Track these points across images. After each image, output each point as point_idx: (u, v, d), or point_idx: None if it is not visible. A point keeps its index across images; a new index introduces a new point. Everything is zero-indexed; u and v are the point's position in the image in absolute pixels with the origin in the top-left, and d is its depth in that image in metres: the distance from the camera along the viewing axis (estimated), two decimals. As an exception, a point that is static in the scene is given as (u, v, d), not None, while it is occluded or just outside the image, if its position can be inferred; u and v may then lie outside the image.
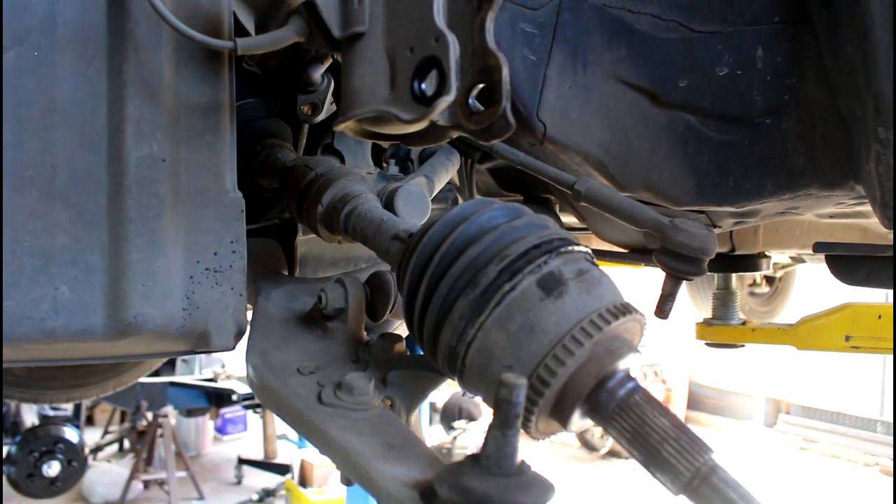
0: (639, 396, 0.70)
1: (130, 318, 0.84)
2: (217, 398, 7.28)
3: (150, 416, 6.83)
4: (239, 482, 7.43)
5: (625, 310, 0.72)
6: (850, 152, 1.03)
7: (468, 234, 0.78)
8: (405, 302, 0.84)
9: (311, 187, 1.09)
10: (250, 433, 8.86)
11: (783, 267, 3.40)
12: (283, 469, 7.33)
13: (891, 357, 6.58)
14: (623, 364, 0.72)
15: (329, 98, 1.27)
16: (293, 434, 7.13)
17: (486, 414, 7.52)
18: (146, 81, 0.85)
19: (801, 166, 1.07)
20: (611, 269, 1.11)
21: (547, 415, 0.72)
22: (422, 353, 0.85)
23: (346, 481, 0.84)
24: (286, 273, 1.26)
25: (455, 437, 7.64)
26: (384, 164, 1.51)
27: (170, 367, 7.42)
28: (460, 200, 1.74)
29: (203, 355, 6.53)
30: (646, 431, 0.68)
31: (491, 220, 0.78)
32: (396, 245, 0.92)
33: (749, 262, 2.16)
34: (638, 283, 3.51)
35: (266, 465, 7.65)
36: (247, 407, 8.21)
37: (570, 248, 0.76)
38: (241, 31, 0.99)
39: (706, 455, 0.67)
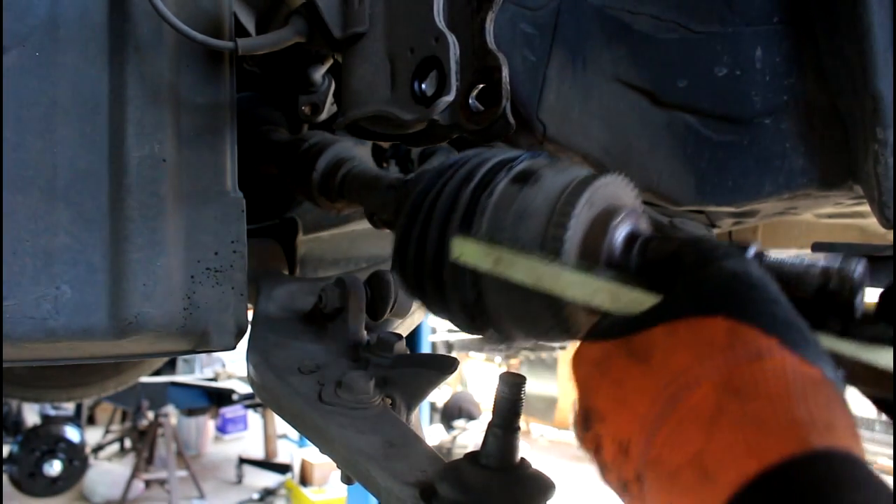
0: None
1: (131, 317, 0.84)
2: (218, 397, 7.29)
3: (151, 415, 6.83)
4: (239, 481, 7.44)
5: (604, 174, 0.72)
6: (848, 152, 1.03)
7: (457, 178, 0.77)
8: (397, 245, 0.81)
9: (305, 157, 1.10)
10: (251, 432, 8.86)
11: (783, 266, 3.40)
12: (283, 468, 7.34)
13: (891, 356, 6.55)
14: (628, 219, 0.71)
15: (329, 98, 1.27)
16: (294, 433, 7.13)
17: (486, 413, 7.51)
18: (147, 82, 0.85)
19: (799, 166, 1.07)
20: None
21: None
22: (421, 351, 0.84)
23: (347, 480, 0.84)
24: (286, 273, 1.26)
25: (455, 437, 7.64)
26: (384, 164, 1.51)
27: (170, 366, 7.42)
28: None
29: (204, 355, 6.53)
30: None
31: (469, 158, 0.78)
32: (392, 193, 0.91)
33: (748, 262, 2.16)
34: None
35: (266, 465, 7.65)
36: (247, 406, 8.22)
37: (534, 155, 0.76)
38: (241, 31, 0.99)
39: None
